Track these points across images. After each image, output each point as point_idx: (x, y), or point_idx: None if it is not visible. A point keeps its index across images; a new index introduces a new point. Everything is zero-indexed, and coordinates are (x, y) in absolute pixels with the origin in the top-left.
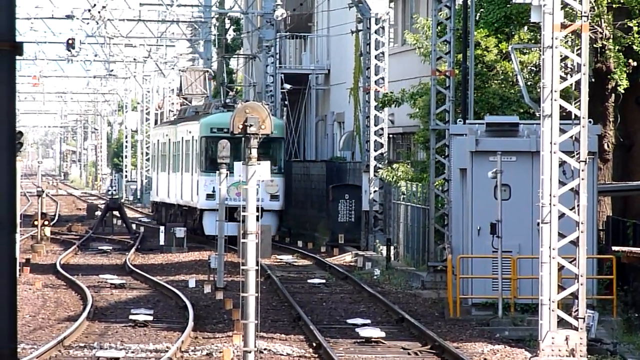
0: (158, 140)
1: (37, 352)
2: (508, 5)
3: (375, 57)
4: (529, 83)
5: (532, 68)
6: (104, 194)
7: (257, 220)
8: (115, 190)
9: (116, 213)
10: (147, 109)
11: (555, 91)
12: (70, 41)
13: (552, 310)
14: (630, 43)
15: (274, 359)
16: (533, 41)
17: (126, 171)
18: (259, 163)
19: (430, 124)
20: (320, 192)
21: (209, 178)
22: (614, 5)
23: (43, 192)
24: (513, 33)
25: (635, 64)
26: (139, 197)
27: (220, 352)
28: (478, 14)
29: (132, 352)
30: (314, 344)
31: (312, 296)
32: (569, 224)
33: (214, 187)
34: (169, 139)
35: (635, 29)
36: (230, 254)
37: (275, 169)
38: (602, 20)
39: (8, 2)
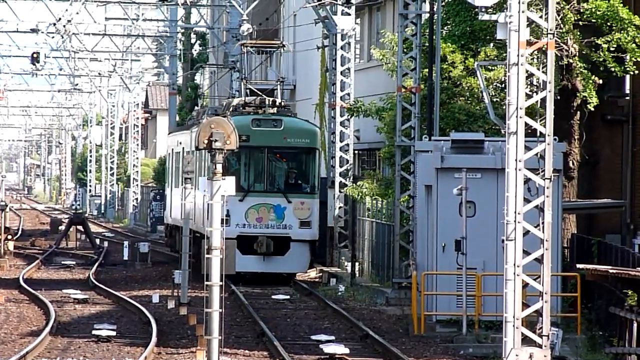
0: (172, 150)
1: None
2: (474, 22)
3: (341, 72)
4: (494, 99)
5: (498, 85)
6: (67, 208)
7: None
8: (79, 204)
9: (80, 228)
10: (111, 124)
11: (520, 108)
12: (34, 55)
13: (517, 328)
14: (599, 59)
15: None
16: (499, 58)
17: (90, 186)
18: (224, 178)
19: (395, 140)
20: None
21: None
22: (580, 23)
23: (6, 206)
24: (479, 50)
25: (600, 81)
26: (103, 211)
27: None
28: (444, 30)
29: None
30: None
31: (276, 312)
32: (534, 242)
33: (228, 210)
34: (183, 148)
35: (605, 46)
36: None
37: (307, 187)
38: (569, 37)
39: None
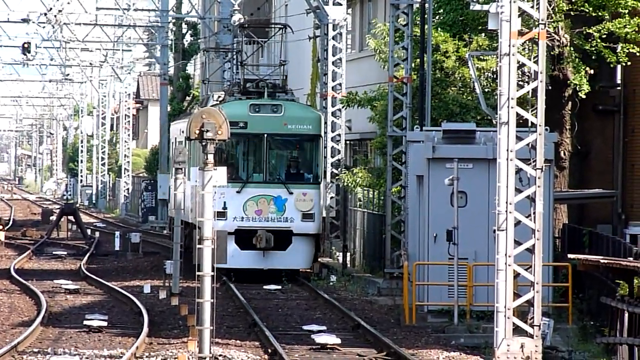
0: (175, 139)
1: None
2: (465, 10)
3: (333, 63)
4: (487, 90)
5: (490, 75)
6: (59, 198)
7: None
8: (70, 195)
9: (71, 218)
10: (103, 114)
11: (512, 98)
12: (25, 45)
13: (508, 318)
14: (592, 49)
15: None
16: (491, 47)
17: (81, 176)
18: (215, 168)
19: (387, 131)
20: None
21: (219, 190)
22: (572, 13)
23: None
24: (471, 39)
25: (592, 71)
26: (94, 202)
27: (175, 358)
28: (435, 19)
29: (87, 358)
30: (270, 350)
31: (268, 302)
32: (525, 232)
33: (225, 202)
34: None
35: (597, 35)
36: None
37: (310, 177)
38: (560, 27)
39: None
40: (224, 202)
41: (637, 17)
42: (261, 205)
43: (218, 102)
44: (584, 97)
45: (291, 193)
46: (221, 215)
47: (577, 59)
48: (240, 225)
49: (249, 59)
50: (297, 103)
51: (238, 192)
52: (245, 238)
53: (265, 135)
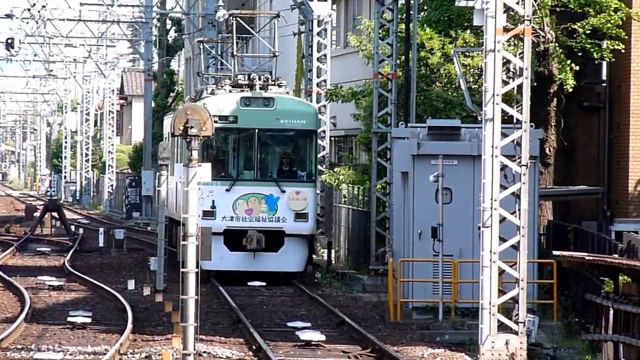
0: (168, 133)
1: None
2: (451, 7)
3: (318, 59)
4: (472, 86)
5: (476, 71)
6: (42, 194)
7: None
8: (54, 191)
9: (55, 214)
10: (87, 110)
11: (497, 95)
12: (9, 40)
13: (493, 315)
14: (578, 44)
15: None
16: (477, 44)
17: (65, 172)
18: (199, 165)
19: (372, 127)
20: None
21: (207, 188)
22: (557, 9)
23: None
24: (457, 36)
25: (577, 68)
26: (78, 198)
27: (159, 354)
28: (420, 15)
29: (70, 355)
30: (254, 347)
31: (252, 299)
32: (510, 228)
33: (213, 201)
34: None
35: (581, 30)
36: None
37: (303, 174)
38: (545, 23)
39: None
40: (213, 201)
41: (620, 12)
42: (252, 204)
43: (210, 95)
44: (570, 90)
45: (283, 191)
46: (209, 214)
47: (562, 55)
48: (230, 225)
49: (240, 51)
50: (291, 97)
51: (227, 190)
52: (234, 239)
53: (257, 130)
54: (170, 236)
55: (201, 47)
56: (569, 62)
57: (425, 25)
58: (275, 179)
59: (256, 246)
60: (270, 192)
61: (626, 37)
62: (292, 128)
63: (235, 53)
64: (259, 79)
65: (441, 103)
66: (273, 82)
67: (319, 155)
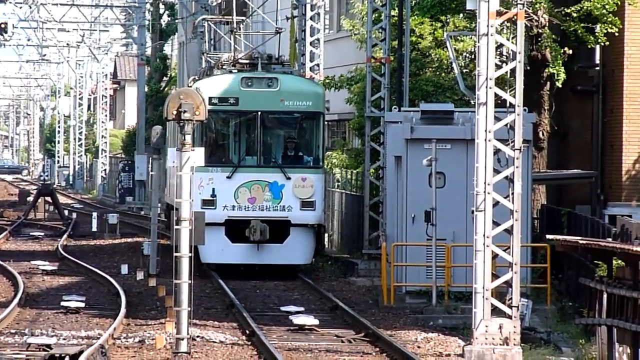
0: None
1: None
2: None
3: (311, 43)
4: (464, 70)
5: (467, 55)
6: (36, 179)
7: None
8: (47, 175)
9: (48, 199)
10: (80, 94)
11: (490, 79)
12: (2, 25)
13: (486, 299)
14: (570, 29)
15: (207, 346)
16: (469, 28)
17: (58, 157)
18: (192, 149)
19: (365, 111)
20: None
21: (206, 175)
22: None
23: None
24: (448, 20)
25: (570, 52)
26: (71, 182)
27: (152, 339)
28: (413, 0)
29: (64, 339)
30: (247, 332)
31: (245, 283)
32: (504, 212)
33: (214, 189)
34: None
35: (575, 15)
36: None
37: (310, 160)
38: (539, 7)
39: None
40: (213, 189)
41: None
42: (255, 192)
43: (208, 75)
44: (562, 82)
45: (289, 178)
46: (209, 203)
47: (554, 44)
48: (231, 215)
49: (224, 40)
50: (296, 76)
51: (228, 177)
52: (236, 229)
53: (259, 112)
54: (170, 225)
55: (205, 25)
56: (561, 51)
57: (417, 11)
58: (280, 165)
59: (260, 237)
60: (274, 179)
61: (620, 22)
62: (298, 110)
63: (235, 30)
64: (262, 58)
65: (431, 87)
66: (276, 61)
67: None
